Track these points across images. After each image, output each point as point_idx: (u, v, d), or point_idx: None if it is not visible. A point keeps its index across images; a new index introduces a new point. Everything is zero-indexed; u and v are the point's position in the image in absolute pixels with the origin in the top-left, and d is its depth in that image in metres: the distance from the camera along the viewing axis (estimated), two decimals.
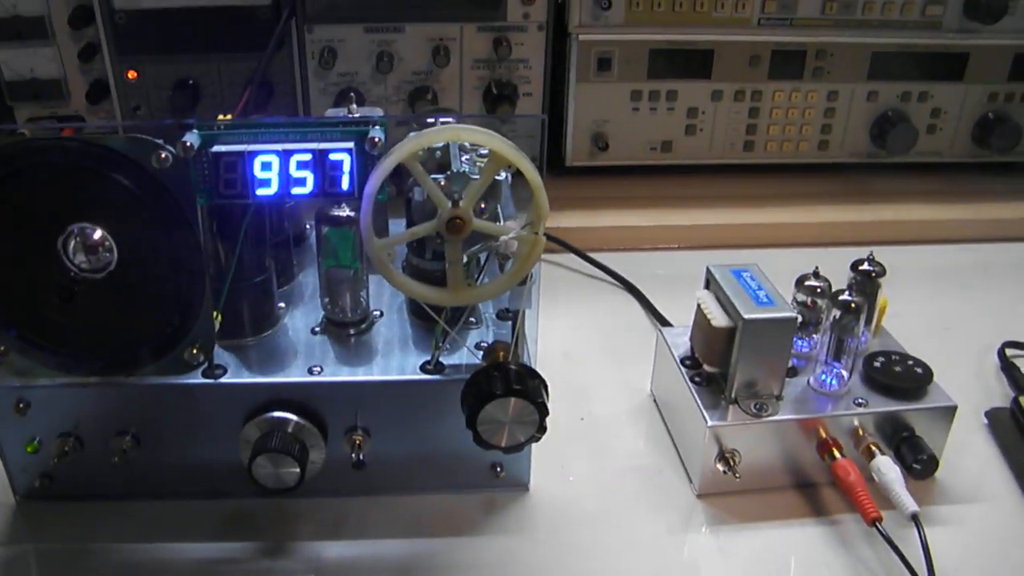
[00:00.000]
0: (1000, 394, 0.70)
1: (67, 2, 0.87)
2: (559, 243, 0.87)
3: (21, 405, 0.53)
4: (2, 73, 0.90)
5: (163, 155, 0.47)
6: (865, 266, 0.63)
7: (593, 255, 0.86)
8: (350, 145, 0.49)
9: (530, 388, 0.49)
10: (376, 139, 0.48)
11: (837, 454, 0.57)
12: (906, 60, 0.93)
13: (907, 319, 0.69)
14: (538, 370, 0.51)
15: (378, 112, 0.62)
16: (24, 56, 0.89)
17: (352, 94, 0.64)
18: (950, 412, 0.59)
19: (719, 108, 0.94)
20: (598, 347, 0.75)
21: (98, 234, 0.49)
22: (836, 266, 0.64)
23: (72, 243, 0.49)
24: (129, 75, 0.88)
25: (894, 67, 0.94)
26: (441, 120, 0.56)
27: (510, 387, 0.48)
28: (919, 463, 0.58)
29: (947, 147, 0.99)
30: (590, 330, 0.77)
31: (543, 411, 0.50)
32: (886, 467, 0.56)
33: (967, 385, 0.70)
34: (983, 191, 0.99)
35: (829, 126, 0.96)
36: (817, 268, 0.62)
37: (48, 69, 0.90)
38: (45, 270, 0.50)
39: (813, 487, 0.60)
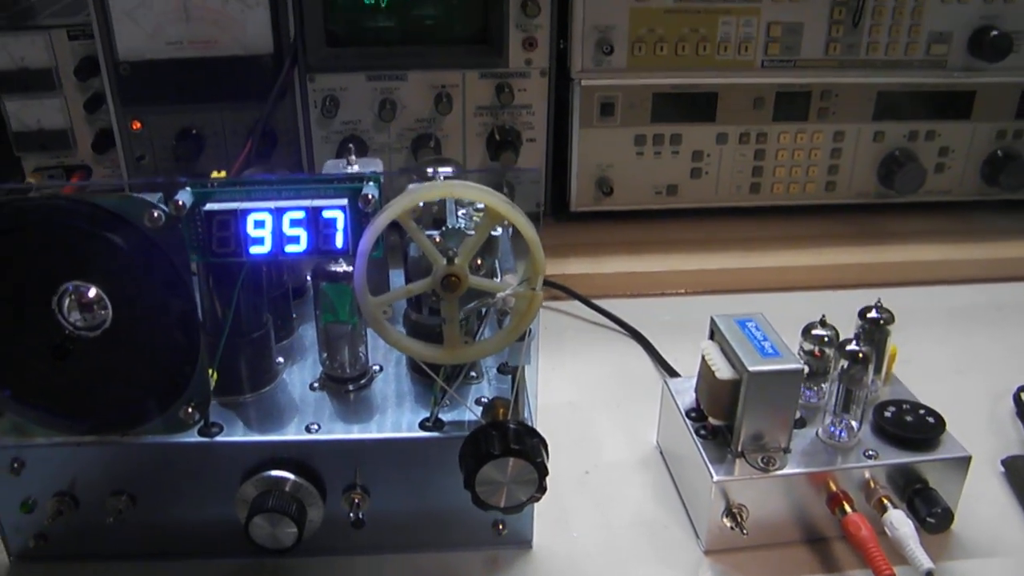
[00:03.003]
0: (1016, 440, 0.68)
1: (73, 53, 0.88)
2: (564, 290, 0.86)
3: (15, 464, 0.53)
4: (10, 124, 0.90)
5: (155, 214, 0.47)
6: (873, 313, 0.62)
7: (598, 302, 0.85)
8: (344, 202, 0.48)
9: (528, 447, 0.48)
10: (369, 196, 0.48)
11: (848, 508, 0.56)
12: (912, 99, 0.93)
13: (918, 364, 0.68)
14: (541, 422, 0.50)
15: (377, 164, 0.61)
16: (31, 107, 0.90)
17: (351, 145, 0.64)
18: (964, 462, 0.58)
19: (724, 151, 0.93)
20: (604, 396, 0.73)
21: (93, 292, 0.48)
22: (846, 309, 0.63)
23: (67, 301, 0.48)
24: (134, 125, 0.89)
25: (900, 106, 0.93)
26: (440, 171, 0.56)
27: (508, 447, 0.47)
28: (933, 516, 0.56)
29: (956, 186, 0.98)
30: (595, 379, 0.76)
31: (542, 471, 0.48)
32: (899, 521, 0.55)
33: (982, 432, 0.68)
34: (993, 230, 0.98)
35: (836, 167, 0.95)
36: (824, 316, 0.61)
37: (55, 120, 0.91)
38: (39, 328, 0.49)
39: (823, 542, 0.58)
